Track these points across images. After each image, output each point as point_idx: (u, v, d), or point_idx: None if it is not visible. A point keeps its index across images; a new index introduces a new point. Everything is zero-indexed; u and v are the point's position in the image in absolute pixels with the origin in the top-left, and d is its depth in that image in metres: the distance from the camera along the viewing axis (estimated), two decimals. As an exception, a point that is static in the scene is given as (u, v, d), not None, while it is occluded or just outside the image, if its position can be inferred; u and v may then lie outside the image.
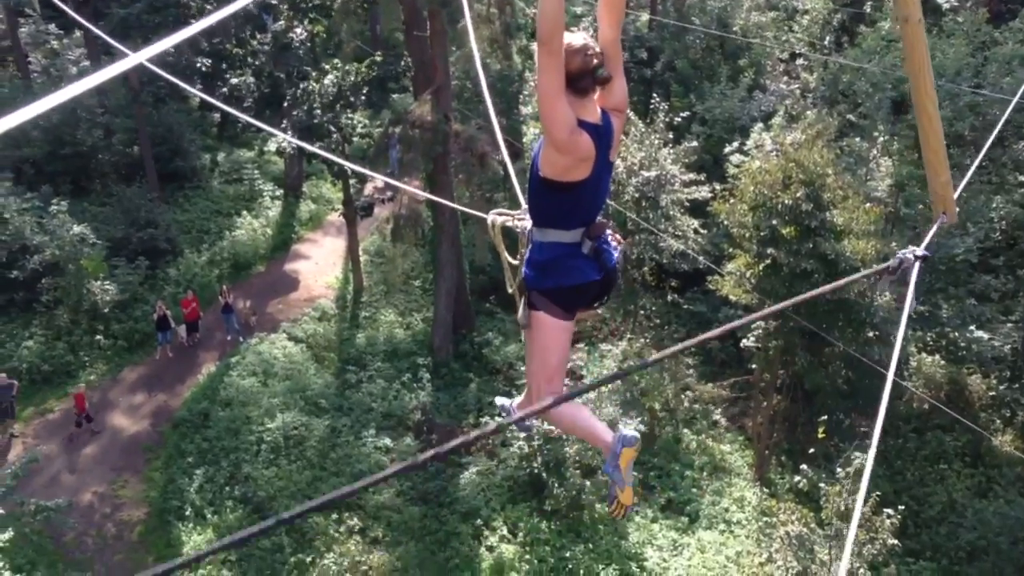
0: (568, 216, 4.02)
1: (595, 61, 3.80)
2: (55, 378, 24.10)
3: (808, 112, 26.68)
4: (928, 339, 22.92)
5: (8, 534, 17.61)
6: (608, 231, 4.18)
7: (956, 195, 4.11)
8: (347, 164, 8.31)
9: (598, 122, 3.91)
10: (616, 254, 4.20)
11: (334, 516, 20.89)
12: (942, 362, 22.43)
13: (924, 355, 22.53)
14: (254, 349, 25.52)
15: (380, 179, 31.70)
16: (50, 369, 24.13)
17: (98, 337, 25.20)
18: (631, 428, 5.06)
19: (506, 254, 4.66)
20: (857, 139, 24.69)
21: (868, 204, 21.95)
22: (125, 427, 23.23)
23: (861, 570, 16.93)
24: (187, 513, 20.87)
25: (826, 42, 30.89)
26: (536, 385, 4.40)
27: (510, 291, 4.46)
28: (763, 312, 4.03)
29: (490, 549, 20.69)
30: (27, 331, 24.79)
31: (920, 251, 3.59)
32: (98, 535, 20.31)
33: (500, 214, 4.66)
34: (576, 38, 3.80)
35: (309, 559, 19.95)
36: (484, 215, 4.79)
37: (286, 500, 21.02)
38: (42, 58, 32.05)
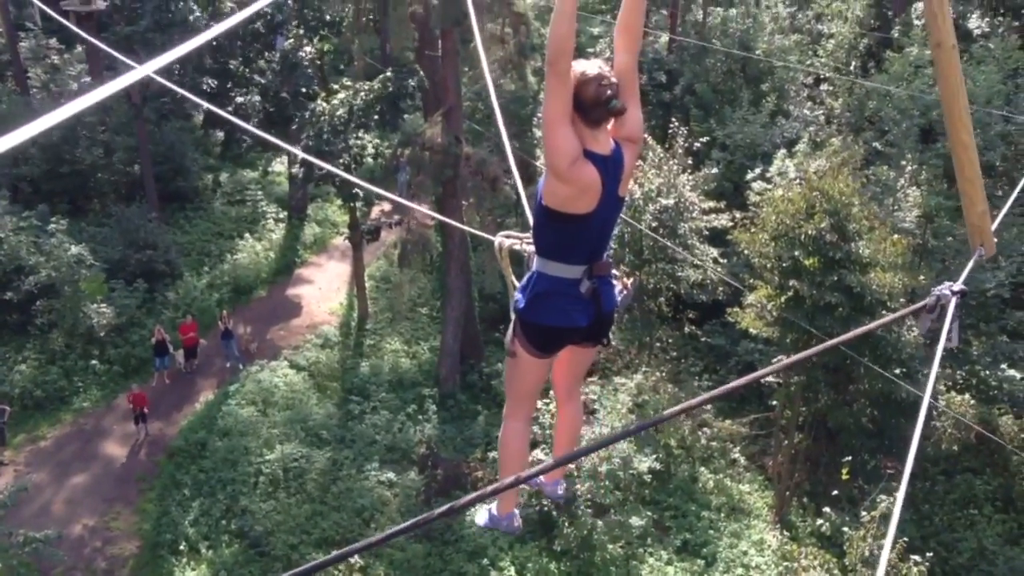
0: (570, 250, 3.88)
1: (609, 92, 3.61)
2: (47, 404, 23.52)
3: (833, 139, 26.06)
4: (958, 377, 22.11)
5: (-5, 566, 16.91)
6: (613, 272, 4.06)
7: (994, 227, 3.89)
8: (360, 183, 7.64)
9: (607, 154, 3.75)
10: (618, 298, 4.07)
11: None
12: (972, 401, 21.62)
13: (953, 394, 21.71)
14: (254, 377, 24.91)
15: (389, 201, 31.33)
16: (43, 394, 23.54)
17: (93, 362, 24.63)
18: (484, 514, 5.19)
19: (512, 278, 4.51)
20: (884, 168, 24.04)
21: (895, 235, 21.34)
22: (119, 456, 22.53)
23: (886, 620, 16.10)
24: (181, 547, 20.21)
25: (852, 67, 30.22)
26: (505, 408, 4.53)
27: (512, 316, 4.19)
28: (795, 357, 3.46)
29: (497, 591, 19.85)
30: (20, 355, 24.25)
31: (958, 286, 3.41)
32: (88, 569, 19.64)
33: (508, 236, 4.57)
34: (591, 66, 3.64)
35: (308, 599, 19.12)
36: (492, 237, 4.68)
37: (284, 535, 20.40)
38: (42, 73, 31.64)
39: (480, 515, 5.14)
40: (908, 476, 3.63)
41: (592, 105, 3.61)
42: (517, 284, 4.23)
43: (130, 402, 22.71)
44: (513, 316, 4.12)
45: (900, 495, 3.58)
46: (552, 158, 3.59)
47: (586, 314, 3.93)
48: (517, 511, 5.06)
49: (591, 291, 3.89)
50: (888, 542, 3.96)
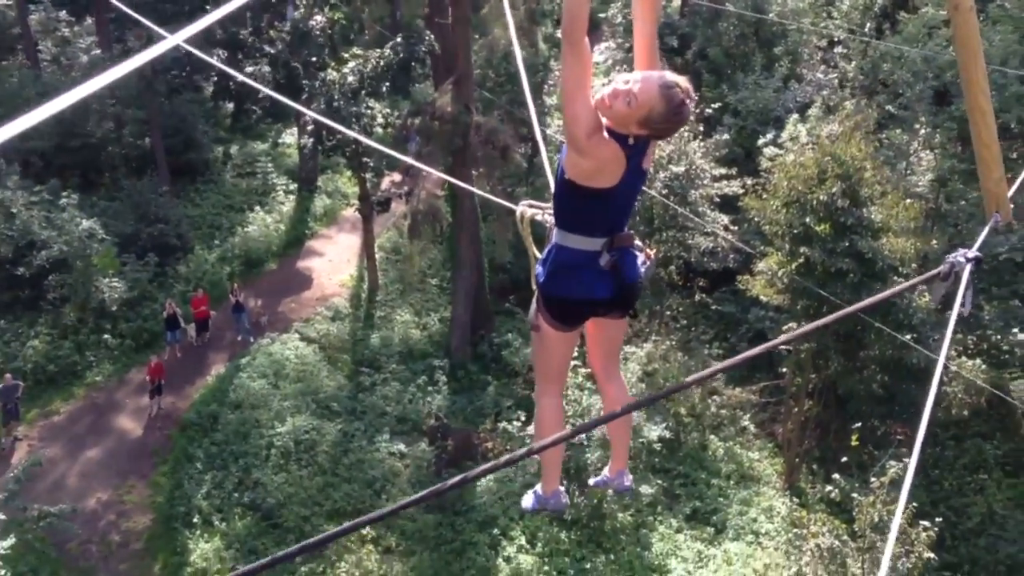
0: (590, 223, 3.83)
1: (682, 123, 3.61)
2: (61, 378, 23.60)
3: (846, 103, 25.70)
4: (969, 342, 21.96)
5: (10, 540, 17.01)
6: (636, 243, 4.00)
7: (1011, 193, 3.83)
8: (373, 144, 7.55)
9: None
10: (642, 269, 3.99)
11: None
12: (983, 366, 21.46)
13: (964, 359, 21.55)
14: (265, 350, 24.93)
15: (400, 170, 31.24)
16: (56, 369, 23.62)
17: (105, 336, 24.68)
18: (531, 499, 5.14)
19: (534, 248, 4.39)
20: (897, 131, 23.76)
21: (908, 200, 21.15)
22: (132, 430, 22.69)
23: (895, 584, 16.13)
24: (195, 520, 20.36)
25: (866, 29, 29.70)
26: (536, 388, 4.51)
27: (534, 289, 4.16)
28: (807, 327, 3.44)
29: (507, 560, 19.99)
30: (32, 330, 24.29)
31: (972, 253, 3.33)
32: (103, 542, 19.85)
33: (531, 206, 4.46)
34: (676, 93, 3.46)
35: (321, 568, 19.40)
36: (513, 206, 4.63)
37: (296, 507, 20.53)
38: (52, 46, 31.56)
39: (526, 499, 5.12)
40: (921, 442, 3.60)
41: (665, 130, 3.63)
42: (538, 255, 4.18)
43: (149, 373, 22.79)
44: (535, 290, 4.11)
45: (912, 461, 3.58)
46: (571, 128, 3.51)
47: (608, 286, 3.90)
48: (562, 488, 5.04)
49: (611, 264, 3.85)
50: (899, 508, 3.99)
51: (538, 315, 4.13)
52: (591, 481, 5.47)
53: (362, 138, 8.91)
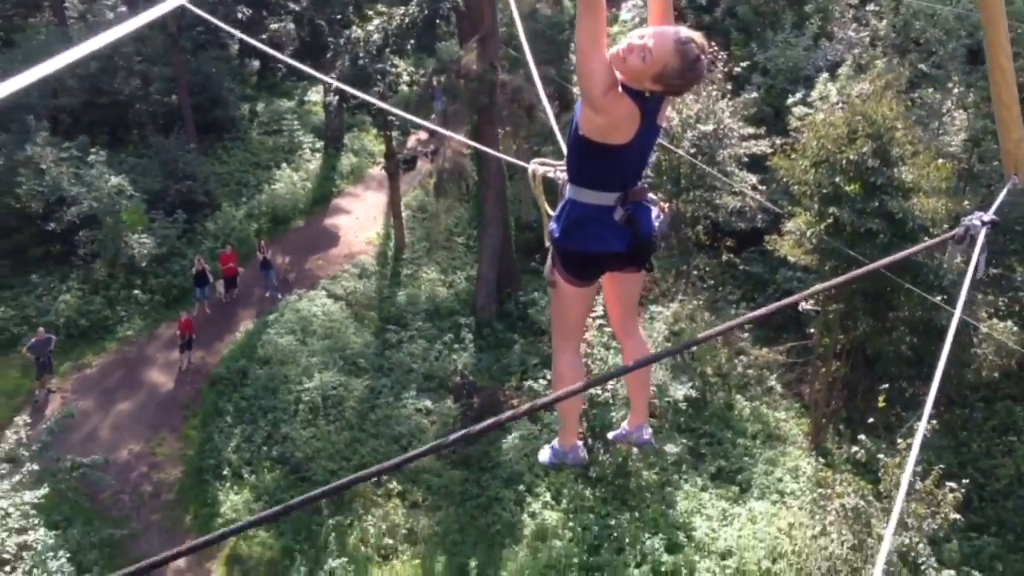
0: (604, 179, 3.80)
1: (697, 79, 3.55)
2: (92, 332, 23.94)
3: (877, 62, 25.28)
4: (1000, 304, 21.75)
5: (44, 490, 17.39)
6: (650, 197, 3.96)
7: None
8: (393, 110, 7.53)
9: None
10: (656, 223, 3.95)
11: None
12: (1015, 328, 21.28)
13: (995, 320, 21.37)
14: (292, 306, 25.12)
15: (426, 128, 31.10)
16: (87, 323, 23.94)
17: (135, 291, 24.96)
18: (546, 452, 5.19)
19: (546, 206, 4.38)
20: (930, 90, 23.39)
21: (940, 160, 20.85)
22: (162, 384, 22.96)
23: (920, 545, 16.15)
24: (224, 472, 20.66)
25: (899, -14, 29.21)
26: (553, 343, 4.52)
27: (547, 245, 4.16)
28: (828, 283, 3.44)
29: (533, 515, 20.14)
30: (64, 285, 24.60)
31: (987, 216, 3.33)
32: (135, 493, 20.19)
33: (542, 164, 4.42)
34: (691, 48, 3.43)
35: (348, 521, 19.67)
36: (527, 165, 4.53)
37: (324, 461, 20.79)
38: (79, 3, 31.49)
39: (543, 453, 5.14)
40: (933, 398, 3.55)
41: (680, 86, 3.56)
42: (551, 212, 4.17)
43: (179, 328, 23.02)
44: (550, 246, 4.11)
45: (925, 414, 3.56)
46: (585, 86, 3.47)
47: (623, 239, 3.87)
48: (580, 443, 5.05)
49: (625, 217, 3.82)
50: (911, 462, 4.09)
51: (554, 271, 4.13)
52: (610, 435, 5.46)
53: (382, 104, 8.91)
